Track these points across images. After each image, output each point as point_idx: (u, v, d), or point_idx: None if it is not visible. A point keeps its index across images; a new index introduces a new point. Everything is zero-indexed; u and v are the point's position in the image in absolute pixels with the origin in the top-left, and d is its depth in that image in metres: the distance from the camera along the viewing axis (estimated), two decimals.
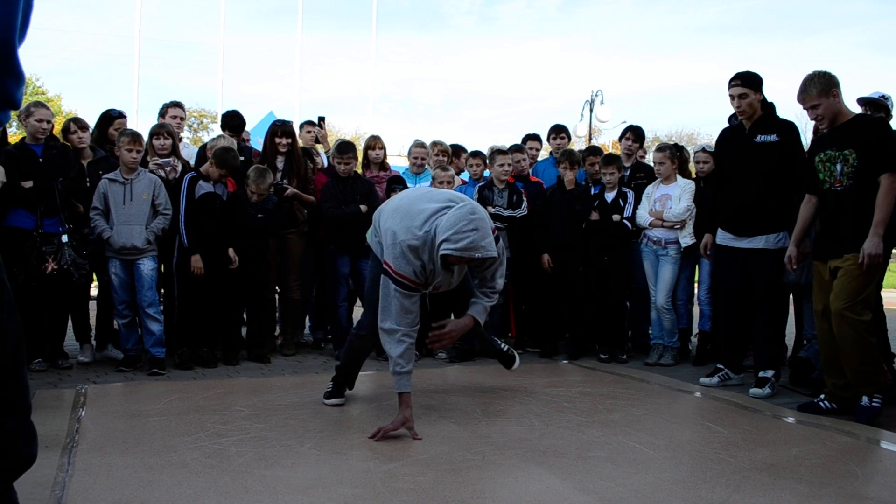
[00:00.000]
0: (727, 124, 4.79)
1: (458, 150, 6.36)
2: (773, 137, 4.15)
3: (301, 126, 6.58)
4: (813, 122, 5.04)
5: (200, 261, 4.65)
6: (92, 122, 5.17)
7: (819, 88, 3.57)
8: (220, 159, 4.75)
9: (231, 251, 4.77)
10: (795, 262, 3.89)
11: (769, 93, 4.27)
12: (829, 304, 3.56)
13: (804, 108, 3.69)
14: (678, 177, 5.29)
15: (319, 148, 6.24)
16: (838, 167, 3.59)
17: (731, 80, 4.22)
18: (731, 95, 4.20)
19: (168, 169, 4.90)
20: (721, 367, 4.51)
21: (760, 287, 4.25)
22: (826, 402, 3.68)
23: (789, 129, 4.20)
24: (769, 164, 4.15)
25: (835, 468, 2.69)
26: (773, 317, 4.36)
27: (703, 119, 40.42)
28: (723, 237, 4.41)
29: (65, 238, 4.40)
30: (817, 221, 4.12)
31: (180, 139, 5.86)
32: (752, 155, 4.19)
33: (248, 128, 6.46)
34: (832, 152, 3.62)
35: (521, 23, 53.27)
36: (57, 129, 4.94)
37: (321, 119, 6.44)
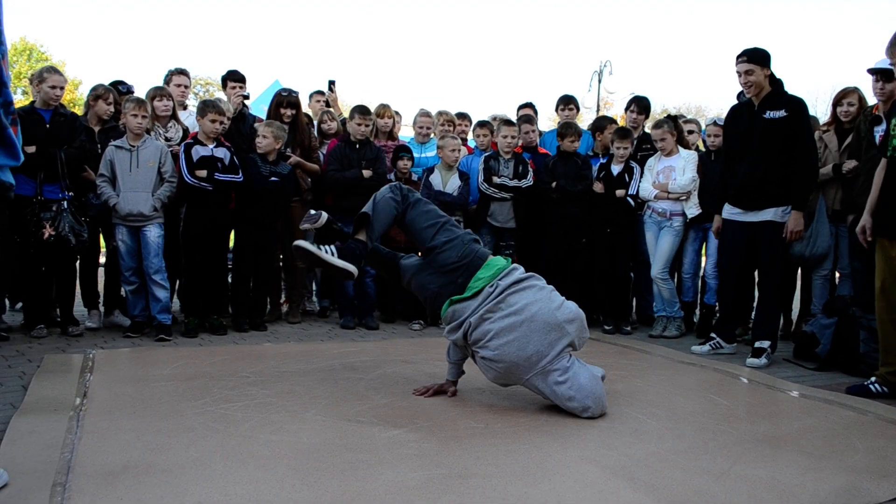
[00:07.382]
0: (736, 101, 4.77)
1: (461, 116, 6.31)
2: (782, 113, 4.16)
3: (311, 95, 6.53)
4: (830, 101, 4.98)
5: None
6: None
7: None
8: (200, 110, 4.76)
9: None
10: (870, 234, 3.60)
11: (780, 67, 4.23)
12: None
13: (891, 63, 3.41)
14: (680, 148, 5.25)
15: (331, 112, 6.18)
16: None
17: (737, 57, 4.22)
18: (737, 72, 4.21)
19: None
20: (714, 335, 4.57)
21: (766, 259, 4.28)
22: (877, 385, 3.53)
23: (797, 105, 4.19)
24: (778, 140, 4.16)
25: (836, 442, 2.70)
26: (777, 289, 4.39)
27: (712, 92, 39.89)
28: (730, 212, 4.41)
29: (64, 204, 4.40)
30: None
31: (185, 107, 5.84)
32: (761, 131, 4.21)
33: (253, 97, 6.42)
34: None
35: None
36: (65, 98, 4.91)
37: (332, 83, 6.34)
